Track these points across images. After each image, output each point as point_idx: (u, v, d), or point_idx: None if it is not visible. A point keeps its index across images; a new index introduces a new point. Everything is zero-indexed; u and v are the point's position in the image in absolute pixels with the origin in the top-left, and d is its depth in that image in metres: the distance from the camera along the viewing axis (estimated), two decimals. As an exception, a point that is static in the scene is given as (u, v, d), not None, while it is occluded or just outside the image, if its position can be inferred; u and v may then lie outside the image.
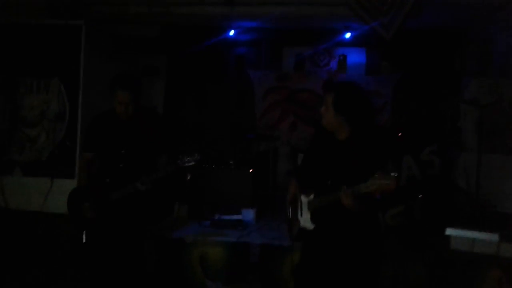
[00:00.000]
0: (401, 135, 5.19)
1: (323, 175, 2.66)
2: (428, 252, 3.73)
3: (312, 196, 2.71)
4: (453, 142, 4.93)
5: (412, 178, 4.57)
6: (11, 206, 4.75)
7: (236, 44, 6.65)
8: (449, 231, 2.45)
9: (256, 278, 3.93)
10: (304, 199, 2.77)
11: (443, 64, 6.05)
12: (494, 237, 2.35)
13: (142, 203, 3.33)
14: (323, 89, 2.51)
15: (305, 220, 2.75)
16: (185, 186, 4.80)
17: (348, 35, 6.29)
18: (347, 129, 2.57)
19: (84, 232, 3.29)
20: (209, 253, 4.01)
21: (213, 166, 4.90)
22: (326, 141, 2.71)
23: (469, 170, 4.46)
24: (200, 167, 4.91)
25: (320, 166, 2.72)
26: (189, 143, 5.80)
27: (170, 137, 3.38)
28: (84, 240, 3.31)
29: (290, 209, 2.91)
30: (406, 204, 4.39)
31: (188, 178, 4.80)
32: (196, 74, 6.52)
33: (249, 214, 4.64)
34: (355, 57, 6.58)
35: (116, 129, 3.27)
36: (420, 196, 4.37)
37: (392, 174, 2.21)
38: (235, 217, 4.54)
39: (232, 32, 6.34)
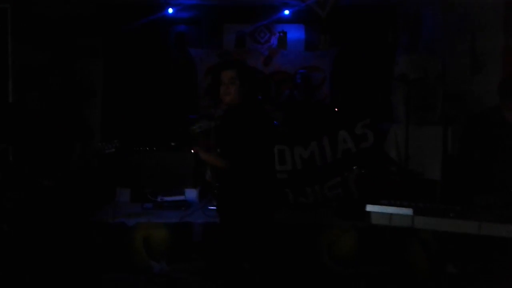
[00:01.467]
0: (337, 110, 5.39)
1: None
2: (360, 222, 3.99)
3: None
4: (385, 115, 5.18)
5: (347, 151, 4.78)
6: None
7: (175, 22, 6.56)
8: (369, 207, 2.62)
9: (200, 257, 4.04)
10: None
11: (377, 40, 6.26)
12: (408, 211, 2.55)
13: (77, 191, 3.34)
14: (220, 68, 2.70)
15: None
16: (126, 170, 4.80)
17: (287, 12, 6.37)
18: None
19: (3, 226, 3.26)
20: (152, 235, 4.07)
21: (154, 148, 4.90)
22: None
23: (399, 142, 4.72)
24: (141, 150, 4.92)
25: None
26: (129, 124, 5.75)
27: (83, 124, 3.39)
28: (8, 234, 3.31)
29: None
30: (342, 176, 4.62)
31: (131, 160, 4.80)
32: (136, 54, 6.37)
33: (192, 194, 4.71)
34: (295, 33, 6.66)
35: (27, 121, 3.24)
36: (355, 167, 4.61)
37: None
38: (178, 197, 4.60)
39: (171, 10, 6.25)
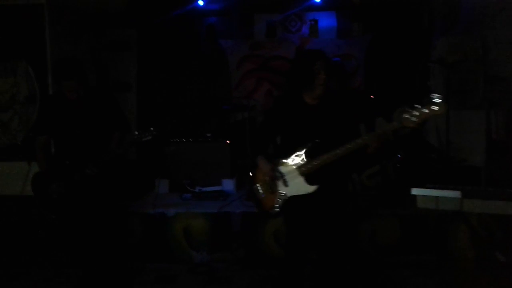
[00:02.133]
0: (373, 97, 5.28)
1: (305, 138, 2.76)
2: (400, 210, 3.91)
3: (302, 160, 2.77)
4: (424, 101, 5.04)
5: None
6: (-9, 192, 4.74)
7: (206, 14, 6.57)
8: (414, 191, 2.58)
9: (239, 246, 4.05)
10: (286, 168, 2.82)
11: (412, 24, 6.09)
12: (456, 194, 2.47)
13: (117, 182, 3.41)
14: (308, 59, 2.56)
15: (296, 187, 2.80)
16: (165, 161, 4.86)
17: (318, -1, 6.28)
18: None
19: (54, 215, 3.33)
20: (192, 225, 4.11)
21: (190, 139, 4.93)
22: (295, 107, 2.82)
23: (439, 127, 4.60)
24: (178, 141, 4.96)
25: (297, 130, 2.82)
26: (164, 116, 5.81)
27: (121, 114, 3.42)
28: (55, 222, 3.39)
29: (259, 187, 2.93)
30: (381, 164, 4.53)
31: (170, 151, 4.86)
32: (168, 46, 6.43)
33: (229, 184, 4.72)
34: (326, 21, 6.57)
35: (67, 110, 3.29)
36: (395, 155, 4.51)
37: (435, 97, 2.38)
38: (216, 188, 4.62)
39: (201, 2, 6.25)
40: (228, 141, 4.89)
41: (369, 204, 4.16)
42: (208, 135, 5.07)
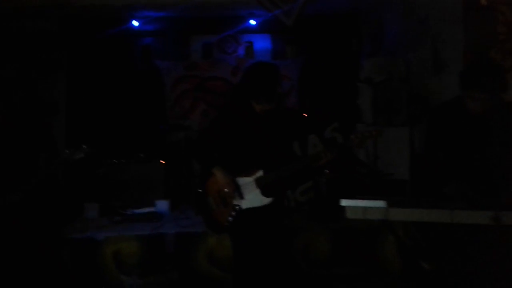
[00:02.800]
0: (306, 116, 5.42)
1: (258, 149, 2.79)
2: (332, 224, 4.00)
3: (259, 173, 2.78)
4: (353, 119, 5.25)
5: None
6: None
7: (141, 34, 6.53)
8: (343, 202, 2.64)
9: (173, 268, 3.95)
10: (245, 179, 2.80)
11: (342, 47, 6.41)
12: (382, 203, 2.56)
13: (45, 207, 3.23)
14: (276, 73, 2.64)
15: (252, 199, 2.80)
16: (95, 183, 4.69)
17: (253, 22, 6.42)
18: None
19: None
20: (122, 249, 3.95)
21: (123, 160, 4.80)
22: (244, 117, 2.83)
23: (368, 144, 4.78)
24: (109, 162, 4.81)
25: (248, 141, 2.82)
26: (96, 137, 5.61)
27: (48, 135, 3.28)
28: None
29: (211, 200, 2.88)
30: (314, 180, 4.63)
31: (101, 172, 4.70)
32: (101, 67, 6.29)
33: (163, 206, 4.62)
34: (261, 43, 6.73)
35: None
36: (326, 171, 4.62)
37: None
38: (149, 210, 4.50)
39: (136, 23, 6.20)
40: (163, 161, 4.82)
41: (302, 219, 4.23)
42: (142, 155, 4.96)
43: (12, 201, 3.01)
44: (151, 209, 4.48)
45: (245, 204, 2.81)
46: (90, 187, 4.74)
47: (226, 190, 2.81)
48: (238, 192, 2.80)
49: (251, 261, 2.89)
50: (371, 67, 4.97)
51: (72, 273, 3.88)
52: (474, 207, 2.44)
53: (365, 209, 2.64)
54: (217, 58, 6.63)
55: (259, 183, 2.78)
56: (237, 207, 2.81)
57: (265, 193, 2.79)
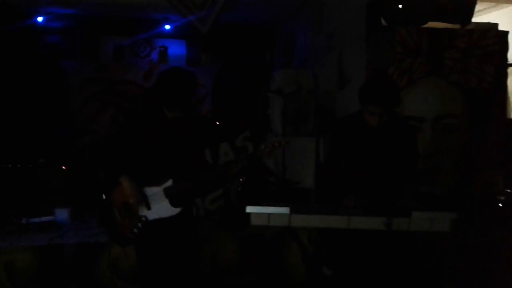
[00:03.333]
0: (218, 124, 5.45)
1: (170, 157, 2.74)
2: (240, 231, 4.03)
3: (168, 183, 2.71)
4: (263, 128, 5.36)
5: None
6: None
7: (47, 32, 6.16)
8: (248, 209, 2.68)
9: (71, 280, 3.72)
10: (153, 189, 2.73)
11: (256, 57, 6.57)
12: (285, 210, 2.64)
13: None
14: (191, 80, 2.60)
15: (159, 209, 2.73)
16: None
17: (168, 26, 6.35)
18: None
19: None
20: (15, 261, 3.64)
21: (18, 165, 4.45)
22: (157, 124, 2.77)
23: (276, 153, 4.90)
24: (3, 167, 4.43)
25: (159, 149, 2.75)
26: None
27: None
28: None
29: (116, 210, 2.78)
30: (223, 188, 4.64)
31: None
32: (2, 63, 5.80)
33: (63, 214, 4.33)
34: (176, 48, 6.68)
35: None
36: (240, 179, 4.65)
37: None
38: (47, 219, 4.19)
39: (40, 18, 5.83)
40: (64, 167, 4.54)
41: (211, 227, 4.21)
42: (41, 160, 4.63)
43: None
44: (50, 218, 4.18)
45: (151, 215, 2.74)
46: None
47: (131, 201, 2.72)
48: (145, 202, 2.73)
49: (157, 272, 2.82)
50: (282, 78, 5.11)
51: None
52: (368, 214, 2.61)
53: (269, 215, 2.70)
54: (129, 62, 6.46)
55: (168, 193, 2.72)
56: (143, 219, 2.72)
57: (173, 203, 2.73)
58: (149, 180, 2.74)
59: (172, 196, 2.72)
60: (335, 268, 3.28)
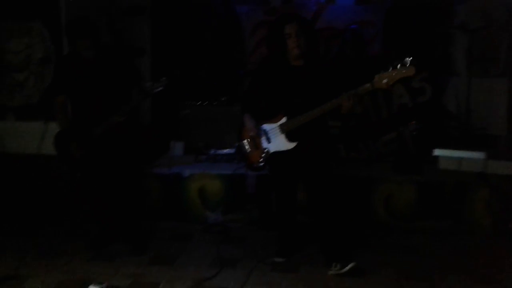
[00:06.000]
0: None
1: (288, 98, 3.00)
2: (416, 176, 3.88)
3: (283, 119, 3.01)
4: (443, 68, 4.94)
5: (404, 106, 4.62)
6: (8, 151, 4.77)
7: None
8: (437, 152, 2.56)
9: (253, 207, 4.07)
10: (269, 126, 3.07)
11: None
12: (480, 155, 2.44)
13: (134, 143, 3.47)
14: (282, 22, 2.82)
15: (278, 144, 3.06)
16: (180, 124, 4.86)
17: (335, -36, 6.11)
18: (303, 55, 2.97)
19: (77, 173, 3.47)
20: (207, 186, 4.13)
21: (206, 102, 4.92)
22: (279, 69, 3.03)
23: (459, 95, 4.51)
24: (192, 104, 4.94)
25: (280, 91, 3.03)
26: (179, 80, 5.75)
27: (136, 71, 3.50)
28: (77, 180, 3.47)
29: (247, 143, 3.19)
30: (398, 131, 4.48)
31: (185, 114, 4.87)
32: (182, 12, 6.33)
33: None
34: (344, -13, 6.39)
35: (83, 69, 3.30)
36: (411, 122, 4.45)
37: (407, 59, 2.65)
38: (230, 151, 4.60)
39: (217, -33, 6.12)
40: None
41: (385, 169, 4.14)
42: (223, 99, 5.04)
43: (115, 121, 3.27)
44: (233, 150, 4.57)
45: (272, 147, 3.09)
46: (176, 127, 4.92)
47: (251, 134, 3.12)
48: (266, 137, 3.09)
49: (289, 194, 3.33)
50: (468, 11, 4.58)
51: (159, 205, 4.13)
52: None
53: (461, 160, 2.54)
54: (298, 3, 6.42)
55: (282, 129, 3.01)
56: (265, 150, 3.09)
57: (289, 138, 3.01)
58: (268, 117, 3.09)
59: (286, 132, 3.00)
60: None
